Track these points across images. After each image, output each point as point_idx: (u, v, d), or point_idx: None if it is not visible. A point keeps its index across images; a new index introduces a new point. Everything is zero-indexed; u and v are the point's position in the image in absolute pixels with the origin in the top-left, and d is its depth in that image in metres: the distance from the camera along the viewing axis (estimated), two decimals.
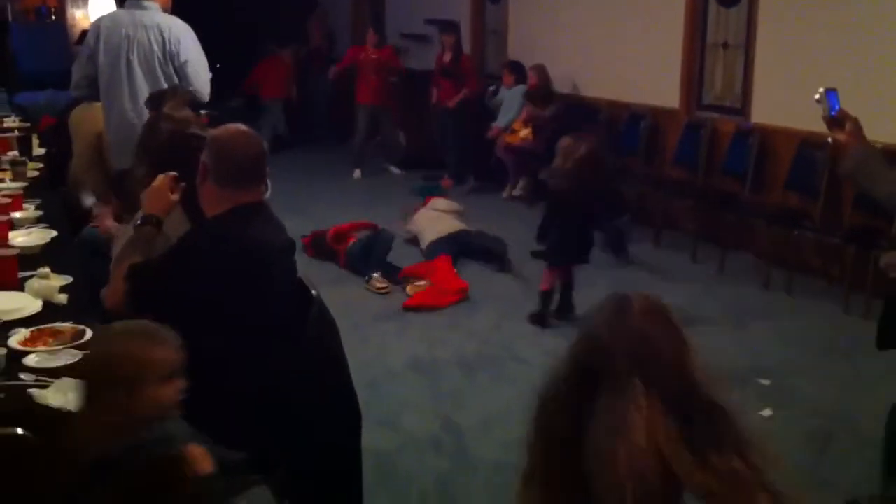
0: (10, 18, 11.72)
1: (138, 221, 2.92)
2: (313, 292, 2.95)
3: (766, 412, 4.39)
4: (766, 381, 4.78)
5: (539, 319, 5.65)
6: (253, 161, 2.85)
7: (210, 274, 2.66)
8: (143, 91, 5.01)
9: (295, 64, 12.08)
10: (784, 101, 6.52)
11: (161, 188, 2.93)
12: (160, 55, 4.96)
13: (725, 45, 7.18)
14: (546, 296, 5.67)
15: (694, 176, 7.23)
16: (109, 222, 3.80)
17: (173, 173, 2.94)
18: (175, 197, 2.95)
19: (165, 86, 4.96)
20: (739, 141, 6.89)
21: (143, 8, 5.04)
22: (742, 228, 6.71)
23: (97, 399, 2.10)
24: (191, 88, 4.91)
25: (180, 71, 4.94)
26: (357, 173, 10.08)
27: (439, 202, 7.71)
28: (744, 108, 7.00)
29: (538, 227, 5.70)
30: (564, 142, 5.53)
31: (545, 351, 5.18)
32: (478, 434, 4.26)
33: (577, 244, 5.62)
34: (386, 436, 4.17)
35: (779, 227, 6.29)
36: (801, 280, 6.16)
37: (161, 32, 4.95)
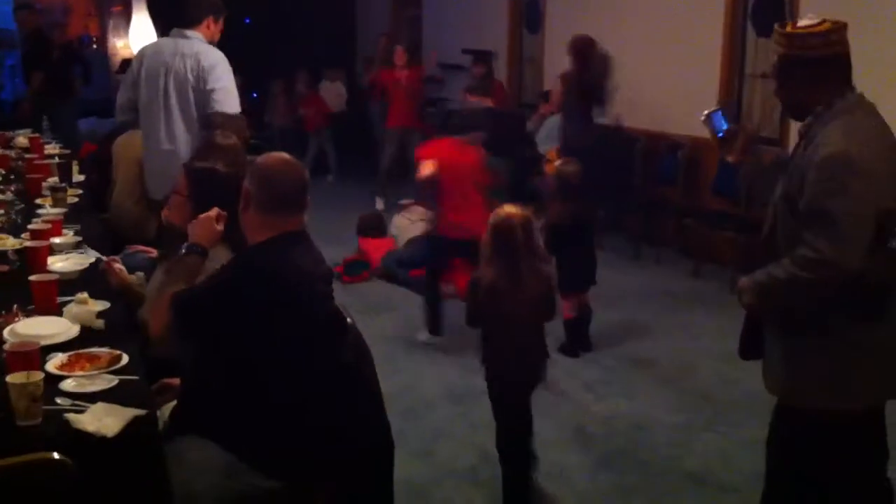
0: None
1: (183, 250, 2.96)
2: (349, 320, 2.94)
3: None
4: None
5: (568, 349, 5.59)
6: (295, 189, 2.85)
7: (252, 301, 2.67)
8: (178, 119, 5.07)
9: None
10: None
11: (209, 219, 3.01)
12: (193, 83, 5.01)
13: (764, 76, 7.13)
14: (570, 324, 5.60)
15: (733, 206, 7.15)
16: (118, 268, 3.79)
17: (219, 211, 3.02)
18: (220, 228, 3.01)
19: (195, 114, 5.02)
20: (777, 170, 6.80)
21: (185, 37, 5.11)
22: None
23: None
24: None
25: (209, 98, 4.98)
26: (380, 203, 9.70)
27: (415, 210, 7.89)
28: (781, 139, 6.92)
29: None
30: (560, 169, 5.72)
31: (582, 383, 5.14)
32: None
33: (583, 270, 5.60)
34: (421, 466, 4.14)
35: None
36: None
37: (197, 60, 5.00)
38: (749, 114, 7.34)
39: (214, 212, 3.03)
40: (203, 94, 4.99)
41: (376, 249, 7.55)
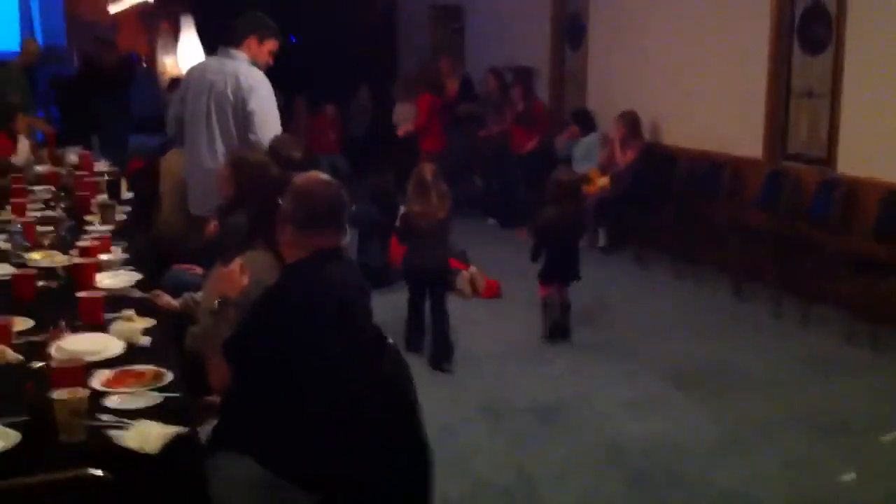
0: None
1: (216, 308, 3.03)
2: (389, 340, 2.98)
3: (850, 476, 4.26)
4: (847, 439, 4.65)
5: (551, 332, 6.13)
6: (332, 208, 2.93)
7: (298, 318, 2.74)
8: (218, 138, 5.15)
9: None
10: (870, 151, 6.39)
11: (233, 272, 3.11)
12: (232, 102, 5.09)
13: (810, 94, 7.07)
14: (544, 304, 6.17)
15: (777, 225, 7.08)
16: (164, 300, 3.87)
17: (240, 261, 3.15)
18: (245, 280, 3.11)
19: (234, 132, 5.09)
20: (824, 191, 6.75)
21: (231, 57, 5.20)
22: (827, 279, 6.54)
23: None
24: (251, 137, 5.02)
25: (247, 119, 5.06)
26: None
27: None
28: (829, 159, 6.86)
29: (531, 250, 6.16)
30: (553, 177, 6.33)
31: (620, 402, 5.12)
32: (552, 484, 4.21)
33: (563, 266, 6.14)
34: (456, 482, 4.14)
35: (864, 278, 6.12)
36: (887, 334, 5.98)
37: (237, 80, 5.08)
38: (796, 133, 7.26)
39: (238, 264, 3.13)
40: (243, 115, 5.07)
41: None
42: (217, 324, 3.00)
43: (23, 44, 10.06)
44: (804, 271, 6.62)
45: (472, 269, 6.86)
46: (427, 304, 5.96)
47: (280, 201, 2.98)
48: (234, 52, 5.20)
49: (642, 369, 5.61)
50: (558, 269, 6.14)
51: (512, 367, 5.70)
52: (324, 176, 3.05)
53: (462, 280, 6.86)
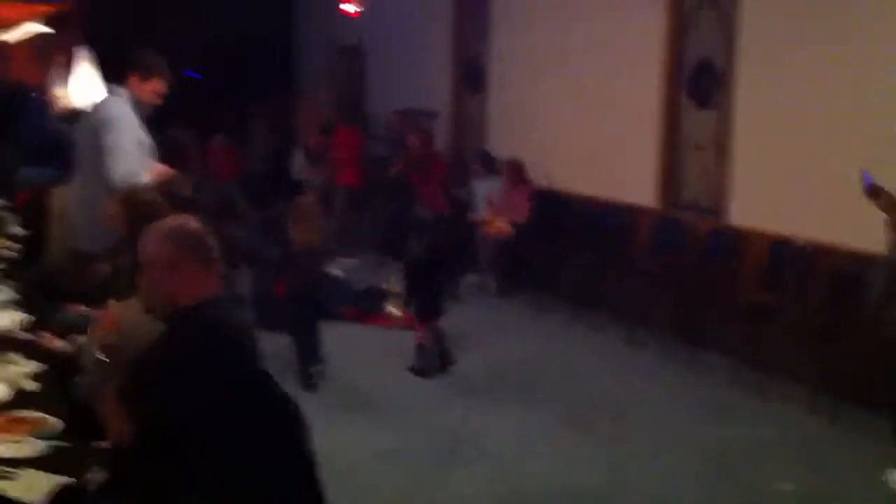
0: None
1: (99, 359, 2.88)
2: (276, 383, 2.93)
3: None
4: None
5: (419, 371, 6.34)
6: (210, 244, 2.87)
7: (187, 371, 2.64)
8: (89, 174, 5.08)
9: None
10: (759, 202, 6.63)
11: (109, 318, 3.01)
12: (92, 137, 5.05)
13: (700, 147, 7.30)
14: (421, 349, 6.40)
15: (668, 273, 7.26)
16: (52, 343, 3.74)
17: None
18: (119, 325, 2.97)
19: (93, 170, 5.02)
20: (714, 240, 6.96)
21: (112, 93, 5.20)
22: (716, 325, 6.73)
23: None
24: (105, 172, 4.93)
25: (100, 153, 4.98)
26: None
27: None
28: (719, 209, 7.07)
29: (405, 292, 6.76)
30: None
31: (519, 447, 5.15)
32: None
33: (434, 301, 6.55)
34: None
35: (751, 325, 6.31)
36: (774, 381, 6.16)
37: (96, 114, 5.13)
38: (687, 183, 7.48)
39: (113, 309, 3.02)
40: (98, 149, 4.99)
41: None
42: (103, 374, 2.84)
43: None
44: (694, 317, 6.80)
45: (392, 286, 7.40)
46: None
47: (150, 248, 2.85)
48: (116, 88, 5.18)
49: (540, 412, 5.67)
50: (426, 306, 6.51)
51: (408, 412, 5.68)
52: (181, 218, 3.00)
53: (390, 305, 7.52)
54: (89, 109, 5.26)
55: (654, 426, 5.54)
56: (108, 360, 2.86)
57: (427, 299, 6.56)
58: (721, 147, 7.03)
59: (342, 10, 11.72)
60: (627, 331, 7.25)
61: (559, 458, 5.03)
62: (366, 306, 7.80)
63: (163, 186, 4.69)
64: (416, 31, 11.13)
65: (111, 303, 3.12)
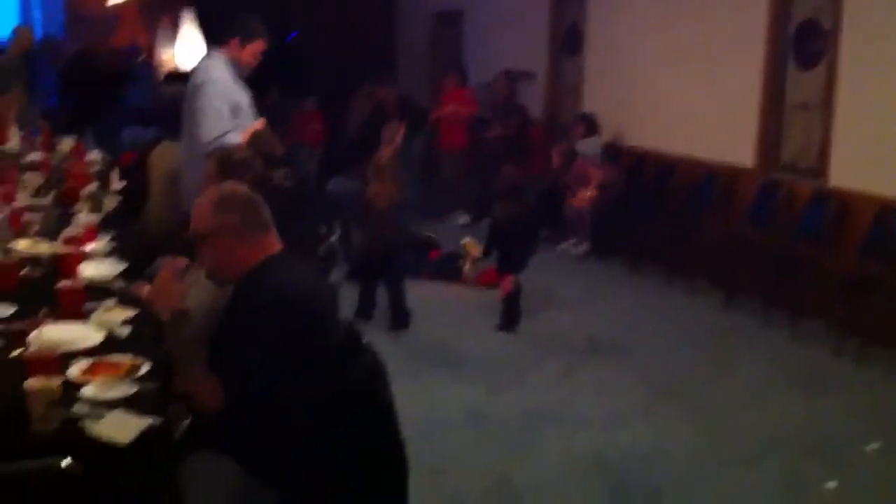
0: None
1: (169, 321, 2.84)
2: (364, 340, 2.96)
3: (832, 484, 4.25)
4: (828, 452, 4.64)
5: (504, 326, 6.43)
6: (265, 211, 2.92)
7: (262, 324, 2.70)
8: (188, 134, 5.19)
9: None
10: (863, 164, 6.39)
11: (166, 281, 2.91)
12: (189, 100, 5.17)
13: (804, 107, 7.07)
14: (508, 299, 6.44)
15: (768, 237, 7.08)
16: (146, 292, 3.84)
17: (175, 263, 3.00)
18: (182, 286, 2.94)
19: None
20: (816, 204, 6.75)
21: (209, 56, 5.29)
22: (816, 293, 6.53)
23: None
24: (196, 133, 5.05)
25: (193, 116, 5.10)
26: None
27: None
28: (821, 171, 6.86)
29: (484, 245, 6.71)
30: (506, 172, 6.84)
31: (609, 411, 5.10)
32: (532, 493, 4.19)
33: (517, 257, 6.53)
34: (435, 490, 4.12)
35: (853, 294, 6.12)
36: (874, 350, 5.97)
37: (193, 77, 5.19)
38: (787, 145, 7.27)
39: (165, 271, 2.94)
40: (191, 112, 5.11)
41: None
42: (174, 336, 2.84)
43: (14, 31, 9.80)
44: (793, 284, 6.62)
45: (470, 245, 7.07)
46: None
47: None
48: (213, 52, 5.28)
49: (630, 378, 5.61)
50: (508, 262, 6.53)
51: (498, 372, 5.69)
52: (238, 185, 3.04)
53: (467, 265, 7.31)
54: (191, 73, 5.35)
55: (748, 394, 5.43)
56: (176, 323, 2.83)
57: (509, 255, 6.55)
58: (825, 107, 6.79)
59: None
60: (724, 296, 7.11)
61: (648, 424, 4.97)
62: (444, 267, 7.79)
63: (253, 144, 4.76)
64: None
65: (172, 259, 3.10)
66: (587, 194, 8.58)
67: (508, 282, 6.42)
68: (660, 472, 4.40)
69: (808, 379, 5.68)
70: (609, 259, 8.44)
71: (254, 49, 5.31)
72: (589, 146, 8.93)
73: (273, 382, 2.70)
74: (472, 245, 6.93)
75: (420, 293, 7.11)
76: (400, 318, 6.41)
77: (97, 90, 10.29)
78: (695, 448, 4.68)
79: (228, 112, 5.14)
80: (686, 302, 7.30)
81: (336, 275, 6.72)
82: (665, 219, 7.95)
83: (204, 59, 5.32)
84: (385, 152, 6.67)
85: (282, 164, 4.47)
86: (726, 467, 4.48)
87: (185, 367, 2.80)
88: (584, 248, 8.71)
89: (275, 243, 2.90)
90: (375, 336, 4.05)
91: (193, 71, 5.34)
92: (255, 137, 4.96)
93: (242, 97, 5.30)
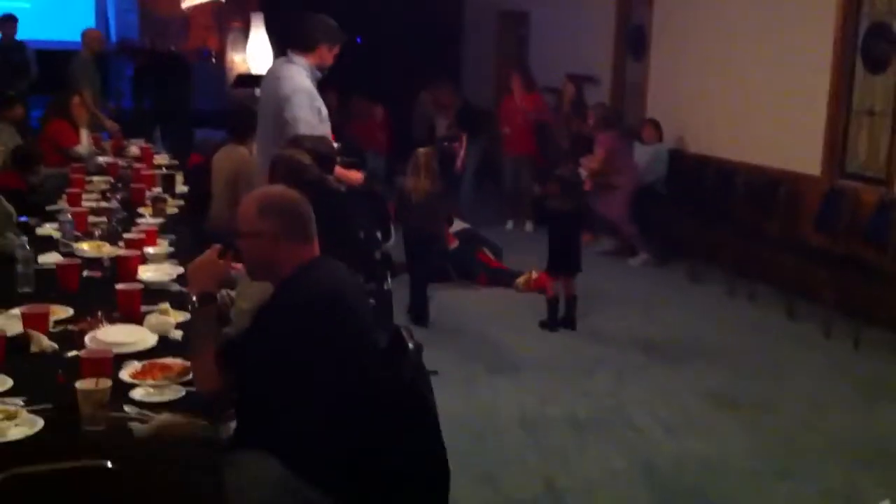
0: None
1: (196, 304, 2.85)
2: (410, 345, 2.98)
3: (886, 502, 4.16)
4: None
5: (546, 325, 6.51)
6: (310, 217, 2.90)
7: (302, 325, 2.71)
8: (263, 140, 5.22)
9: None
10: None
11: (208, 262, 2.89)
12: (273, 108, 5.08)
13: (871, 113, 6.93)
14: (550, 302, 6.54)
15: (833, 245, 6.95)
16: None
17: (218, 246, 2.92)
18: (224, 267, 2.92)
19: (272, 137, 5.10)
20: (882, 212, 6.61)
21: (291, 61, 5.17)
22: (882, 302, 6.40)
23: None
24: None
25: (283, 128, 5.02)
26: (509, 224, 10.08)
27: None
28: (888, 178, 6.71)
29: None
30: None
31: (660, 421, 5.06)
32: (580, 499, 4.18)
33: (565, 258, 6.55)
34: (483, 493, 4.14)
35: None
36: None
37: (279, 86, 5.05)
38: (854, 152, 7.13)
39: (213, 254, 2.90)
40: (278, 123, 5.06)
41: None
42: (198, 328, 2.84)
43: (83, 34, 9.88)
44: (859, 292, 6.49)
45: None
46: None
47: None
48: (295, 56, 5.16)
49: (685, 387, 5.55)
50: (560, 260, 6.54)
51: (551, 378, 5.68)
52: (286, 189, 3.02)
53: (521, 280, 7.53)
54: (270, 78, 5.24)
55: (808, 404, 5.34)
56: (204, 307, 2.83)
57: (559, 255, 6.56)
58: (894, 114, 6.64)
59: None
60: (787, 303, 7.00)
61: (701, 433, 4.91)
62: (499, 276, 7.77)
63: (305, 143, 4.79)
64: None
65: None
66: (591, 165, 8.40)
67: (552, 287, 6.59)
68: (711, 483, 4.35)
69: (872, 389, 5.56)
70: (671, 265, 8.36)
71: (329, 54, 5.29)
72: (653, 152, 8.87)
73: (297, 381, 2.71)
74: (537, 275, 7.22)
75: (476, 298, 7.14)
76: (416, 312, 6.56)
77: (166, 92, 10.51)
78: (748, 459, 4.62)
79: (317, 121, 5.17)
80: (748, 309, 7.20)
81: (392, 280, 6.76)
82: (728, 225, 7.85)
83: (287, 66, 5.16)
84: (422, 151, 6.95)
85: (329, 162, 4.55)
86: (781, 479, 4.41)
87: (197, 348, 2.81)
88: (642, 258, 8.62)
89: (311, 249, 2.89)
90: (430, 341, 4.11)
91: (278, 79, 5.14)
92: (310, 141, 5.00)
93: (322, 103, 5.32)
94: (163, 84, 10.72)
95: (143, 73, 11.40)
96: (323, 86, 5.39)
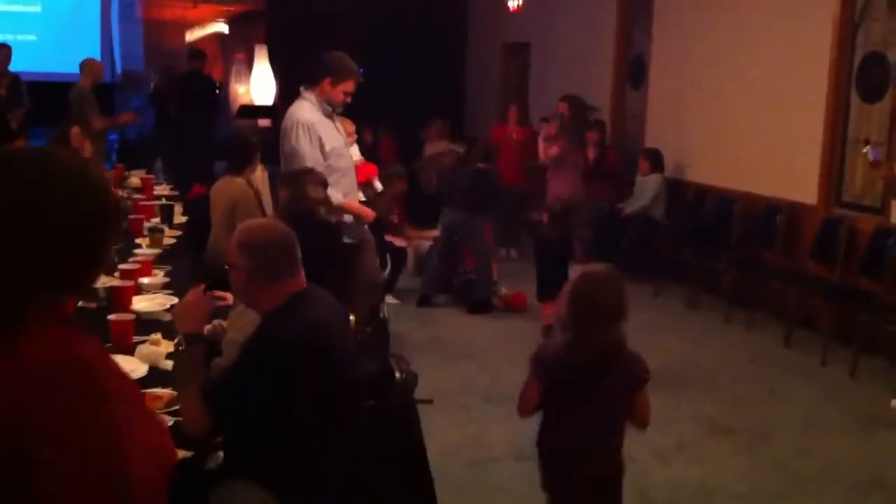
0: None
1: (180, 347, 2.90)
2: (398, 375, 3.02)
3: None
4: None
5: None
6: (288, 251, 2.92)
7: (283, 363, 2.74)
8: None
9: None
10: None
11: (192, 304, 2.95)
12: (281, 142, 5.34)
13: (867, 142, 6.96)
14: (547, 331, 6.45)
15: (830, 273, 6.97)
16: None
17: (202, 286, 2.97)
18: (207, 308, 2.97)
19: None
20: (879, 240, 6.63)
21: (300, 97, 5.41)
22: (878, 330, 6.40)
23: None
24: None
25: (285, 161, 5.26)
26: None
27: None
28: (883, 207, 6.73)
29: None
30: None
31: (653, 452, 5.06)
32: None
33: (555, 284, 6.32)
34: None
35: None
36: None
37: (284, 122, 5.35)
38: (851, 181, 7.16)
39: (197, 294, 2.96)
40: (283, 153, 5.27)
41: None
42: (183, 370, 2.89)
43: (82, 64, 9.82)
44: (855, 321, 6.50)
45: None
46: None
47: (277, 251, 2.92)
48: (304, 92, 5.39)
49: (681, 413, 5.56)
50: (549, 287, 6.51)
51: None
52: (266, 220, 3.08)
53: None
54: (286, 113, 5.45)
55: (804, 431, 5.35)
56: (188, 348, 2.88)
57: (553, 280, 6.49)
58: (889, 143, 6.68)
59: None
60: (785, 331, 7.00)
61: (697, 460, 4.93)
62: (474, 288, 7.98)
63: (305, 181, 4.87)
64: (582, 26, 11.05)
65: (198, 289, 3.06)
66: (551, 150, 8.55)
67: (550, 312, 6.44)
68: None
69: (867, 417, 5.57)
70: (669, 292, 8.38)
71: (344, 89, 5.43)
72: (652, 184, 8.89)
73: (278, 417, 2.73)
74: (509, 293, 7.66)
75: (474, 327, 7.16)
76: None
77: (189, 114, 10.63)
78: (743, 485, 4.63)
79: (320, 153, 5.29)
80: (745, 337, 7.21)
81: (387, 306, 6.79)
82: (726, 253, 7.87)
83: (297, 101, 5.42)
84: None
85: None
86: None
87: (181, 388, 2.86)
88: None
89: (297, 282, 2.91)
90: (428, 371, 4.13)
91: (287, 114, 5.43)
92: (308, 174, 5.08)
93: (333, 135, 5.43)
94: (189, 103, 10.83)
95: (168, 90, 11.51)
96: (355, 120, 5.62)
